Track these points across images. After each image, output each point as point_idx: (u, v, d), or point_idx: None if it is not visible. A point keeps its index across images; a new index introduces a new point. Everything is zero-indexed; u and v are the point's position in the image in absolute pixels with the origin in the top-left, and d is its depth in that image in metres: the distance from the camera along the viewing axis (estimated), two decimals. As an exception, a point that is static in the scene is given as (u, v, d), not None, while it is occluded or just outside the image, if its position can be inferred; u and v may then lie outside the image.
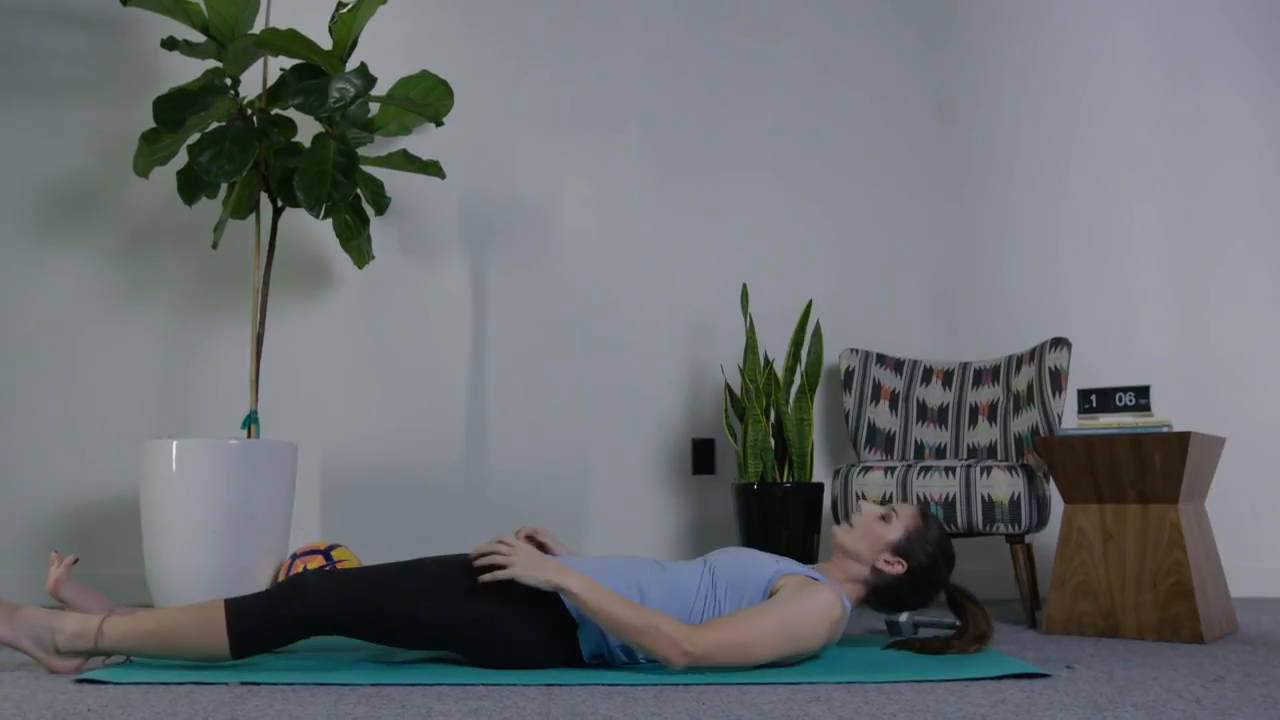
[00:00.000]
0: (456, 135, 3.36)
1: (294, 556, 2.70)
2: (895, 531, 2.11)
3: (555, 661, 1.97)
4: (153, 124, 2.80)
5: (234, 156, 2.75)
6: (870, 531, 2.12)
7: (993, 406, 3.14)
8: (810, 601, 1.94)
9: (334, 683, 1.81)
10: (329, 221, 3.08)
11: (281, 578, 2.67)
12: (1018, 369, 3.10)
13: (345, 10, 2.90)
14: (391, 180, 3.33)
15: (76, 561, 2.08)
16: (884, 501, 2.11)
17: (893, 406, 3.26)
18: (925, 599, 2.14)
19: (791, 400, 3.09)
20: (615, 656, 1.98)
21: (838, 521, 2.91)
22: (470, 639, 1.94)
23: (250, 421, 2.89)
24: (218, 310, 3.36)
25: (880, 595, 2.12)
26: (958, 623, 2.35)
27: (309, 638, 1.92)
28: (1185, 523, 2.44)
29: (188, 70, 3.19)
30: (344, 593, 1.89)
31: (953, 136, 3.63)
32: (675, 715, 1.57)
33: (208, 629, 1.87)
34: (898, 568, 2.09)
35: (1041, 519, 2.78)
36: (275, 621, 1.87)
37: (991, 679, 1.86)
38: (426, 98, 3.05)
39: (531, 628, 1.94)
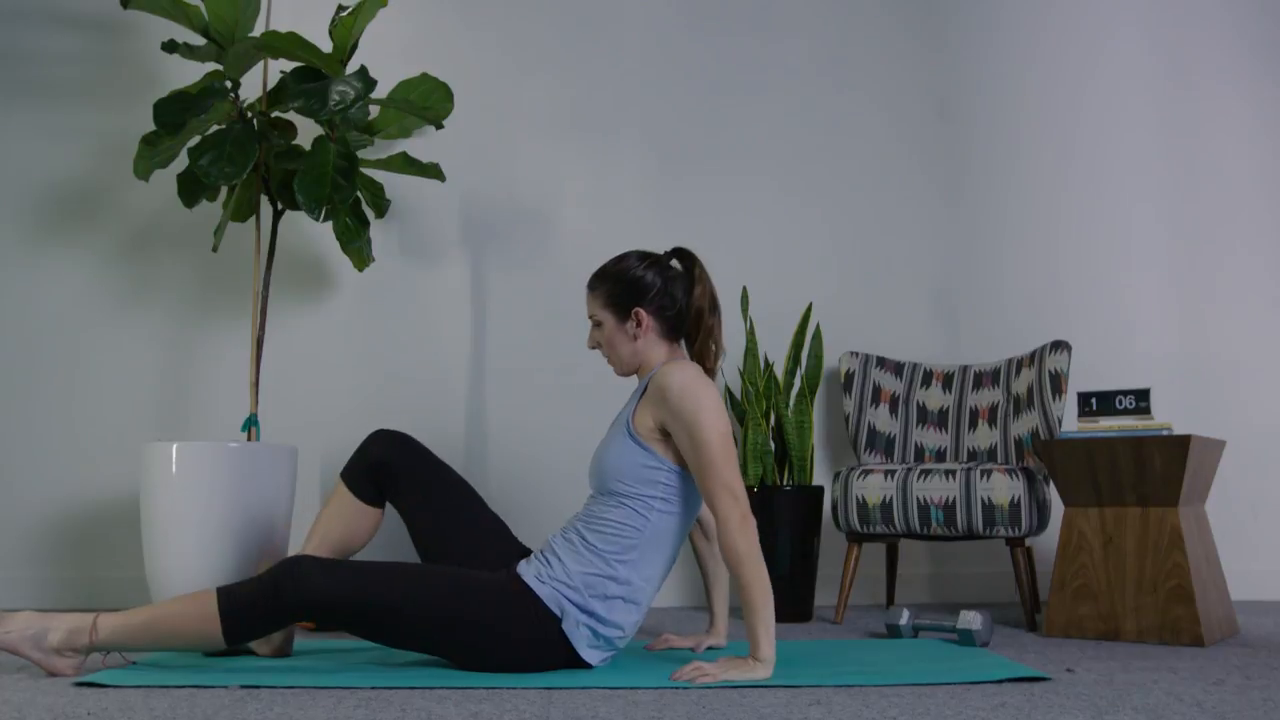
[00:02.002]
0: (457, 138, 3.36)
1: (294, 559, 2.70)
2: (607, 318, 2.10)
3: (547, 667, 1.97)
4: (153, 127, 2.80)
5: (234, 159, 2.75)
6: (609, 345, 2.11)
7: (993, 409, 3.14)
8: (692, 395, 1.94)
9: (334, 685, 1.81)
10: (329, 224, 3.08)
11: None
12: (1018, 372, 3.10)
13: (345, 13, 2.91)
14: (392, 183, 3.33)
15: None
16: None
17: (893, 409, 3.26)
18: (674, 290, 2.09)
19: (791, 403, 3.09)
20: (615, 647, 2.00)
21: (838, 526, 2.92)
22: (453, 643, 1.93)
23: (250, 424, 2.89)
24: (218, 313, 3.36)
25: (670, 332, 2.11)
26: (958, 625, 2.35)
27: (301, 620, 1.92)
28: (1185, 526, 2.44)
29: (188, 73, 3.18)
30: (335, 581, 1.87)
31: (952, 138, 3.63)
32: (675, 719, 1.56)
33: (200, 617, 1.87)
34: (643, 316, 2.07)
35: (1041, 522, 2.78)
36: (266, 607, 1.87)
37: (992, 682, 1.86)
38: (427, 100, 3.05)
39: (517, 635, 1.94)
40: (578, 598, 1.95)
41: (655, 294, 2.08)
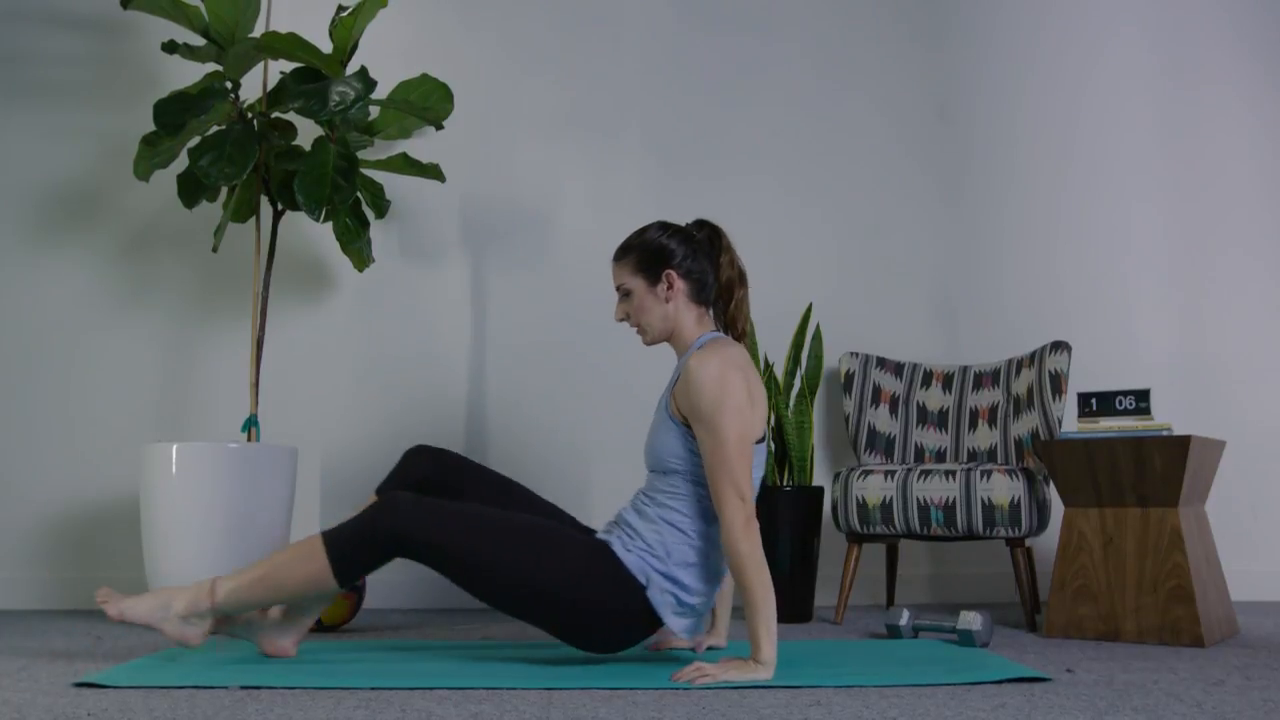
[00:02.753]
0: (457, 138, 3.36)
1: (294, 560, 2.70)
2: (638, 284, 2.12)
3: (628, 638, 2.03)
4: (153, 127, 2.80)
5: (234, 160, 2.75)
6: (640, 312, 2.12)
7: (993, 410, 3.14)
8: (715, 389, 1.95)
9: (334, 686, 1.81)
10: (329, 225, 3.08)
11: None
12: (1018, 372, 3.10)
13: (345, 14, 2.91)
14: (391, 183, 3.33)
15: None
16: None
17: (893, 410, 3.26)
18: (701, 258, 2.12)
19: (792, 404, 3.09)
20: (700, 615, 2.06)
21: (838, 527, 2.92)
22: (535, 605, 1.98)
23: (250, 425, 2.89)
24: (218, 313, 3.36)
25: (699, 295, 2.13)
26: (958, 626, 2.35)
27: (402, 556, 1.97)
28: (1185, 526, 2.44)
29: (188, 74, 3.18)
30: (431, 520, 1.94)
31: (952, 139, 3.63)
32: (675, 719, 1.56)
33: (309, 560, 1.95)
34: (674, 279, 2.10)
35: (1041, 522, 2.78)
36: (368, 541, 1.94)
37: (992, 683, 1.86)
38: (427, 101, 3.05)
39: (602, 601, 1.98)
40: (661, 565, 1.99)
41: (683, 258, 2.11)
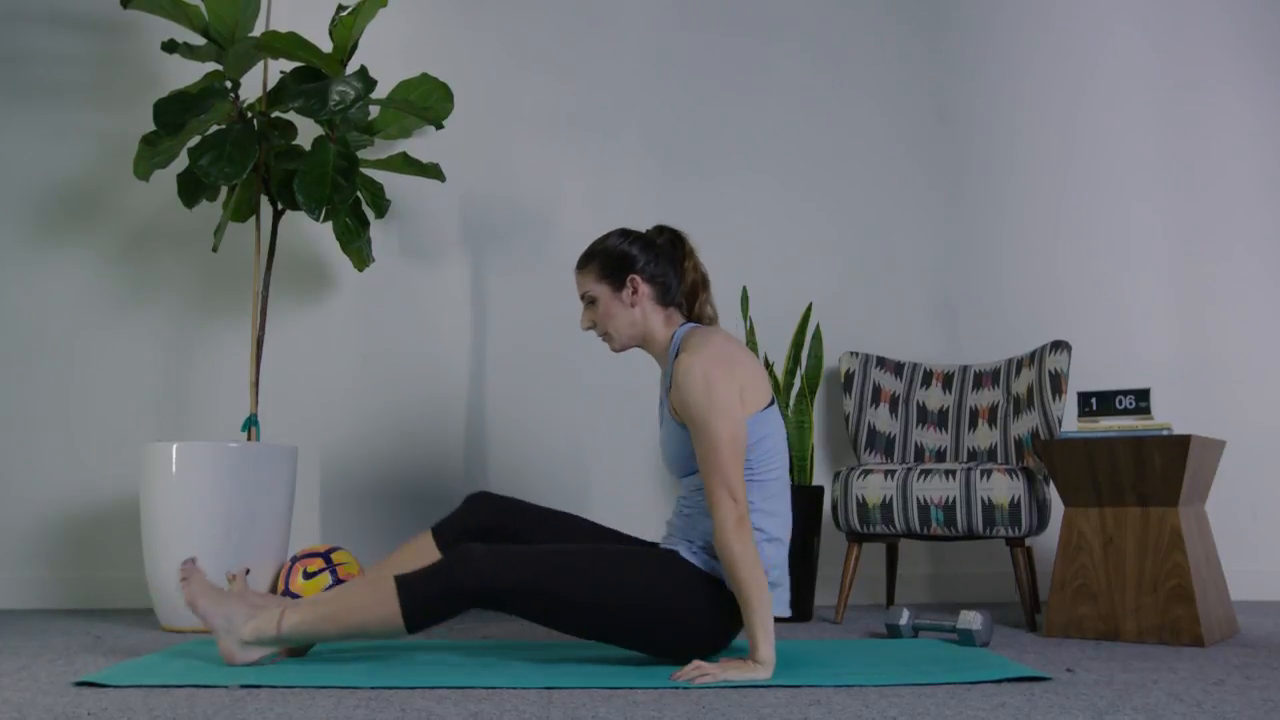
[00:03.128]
0: (457, 138, 3.36)
1: (294, 560, 2.70)
2: (602, 291, 2.12)
3: (719, 639, 2.04)
4: (153, 127, 2.80)
5: (234, 159, 2.75)
6: (606, 319, 2.13)
7: (993, 409, 3.14)
8: (702, 391, 1.95)
9: (334, 685, 1.81)
10: (329, 224, 3.08)
11: (281, 582, 2.68)
12: (1018, 372, 3.10)
13: (345, 13, 2.91)
14: (391, 183, 3.33)
15: (249, 572, 2.17)
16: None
17: (893, 409, 3.26)
18: (664, 263, 2.14)
19: (792, 403, 3.09)
20: None
21: (838, 526, 2.92)
22: (625, 627, 1.99)
23: (250, 424, 2.89)
24: (218, 313, 3.36)
25: (664, 298, 2.13)
26: (958, 625, 2.35)
27: (477, 608, 1.97)
28: (1185, 526, 2.44)
29: (188, 73, 3.18)
30: (505, 569, 1.93)
31: (952, 139, 3.63)
32: (675, 719, 1.56)
33: (381, 604, 1.93)
34: (638, 283, 2.11)
35: (1041, 522, 2.78)
36: (443, 593, 1.93)
37: (992, 682, 1.86)
38: (427, 101, 3.05)
39: (687, 607, 1.98)
40: None
41: (646, 262, 2.12)
